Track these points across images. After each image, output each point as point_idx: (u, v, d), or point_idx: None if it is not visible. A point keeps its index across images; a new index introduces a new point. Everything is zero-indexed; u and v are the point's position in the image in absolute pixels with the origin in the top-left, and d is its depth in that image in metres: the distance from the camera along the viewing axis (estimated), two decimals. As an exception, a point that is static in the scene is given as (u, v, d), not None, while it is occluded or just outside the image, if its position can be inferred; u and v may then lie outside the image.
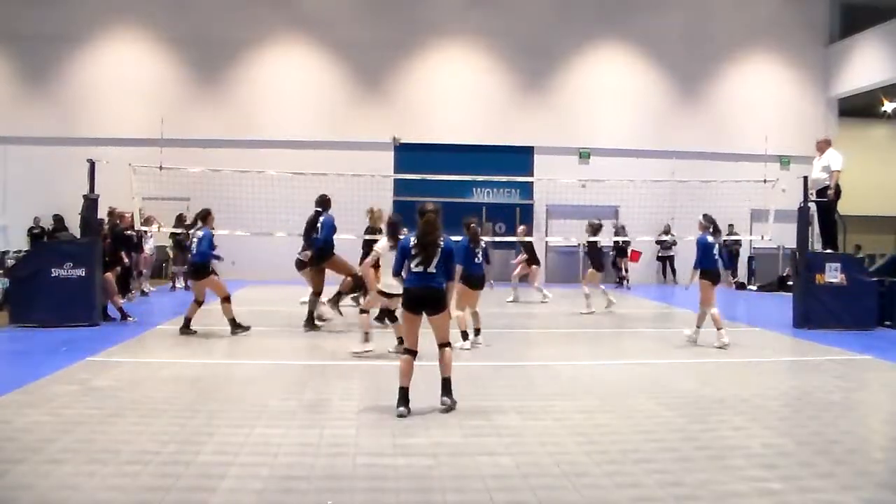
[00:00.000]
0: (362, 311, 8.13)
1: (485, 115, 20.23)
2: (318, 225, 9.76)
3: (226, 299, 9.48)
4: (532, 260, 14.26)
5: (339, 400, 5.91)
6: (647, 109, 20.68)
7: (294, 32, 20.06)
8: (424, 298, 5.58)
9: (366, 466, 4.31)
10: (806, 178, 11.56)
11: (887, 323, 11.05)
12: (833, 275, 10.83)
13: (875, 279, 11.29)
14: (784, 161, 19.00)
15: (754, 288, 18.83)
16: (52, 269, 9.78)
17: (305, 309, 10.15)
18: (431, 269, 5.59)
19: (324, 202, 9.96)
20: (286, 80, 19.86)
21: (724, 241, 18.58)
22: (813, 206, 11.61)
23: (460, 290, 7.56)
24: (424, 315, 5.65)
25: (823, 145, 11.62)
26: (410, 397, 5.48)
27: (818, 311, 10.71)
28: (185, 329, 9.33)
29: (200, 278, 9.50)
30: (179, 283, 16.08)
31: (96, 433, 4.85)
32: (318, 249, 9.82)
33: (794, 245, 11.58)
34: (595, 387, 6.64)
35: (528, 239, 14.40)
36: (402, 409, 5.39)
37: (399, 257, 5.81)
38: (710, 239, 9.17)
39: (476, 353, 8.30)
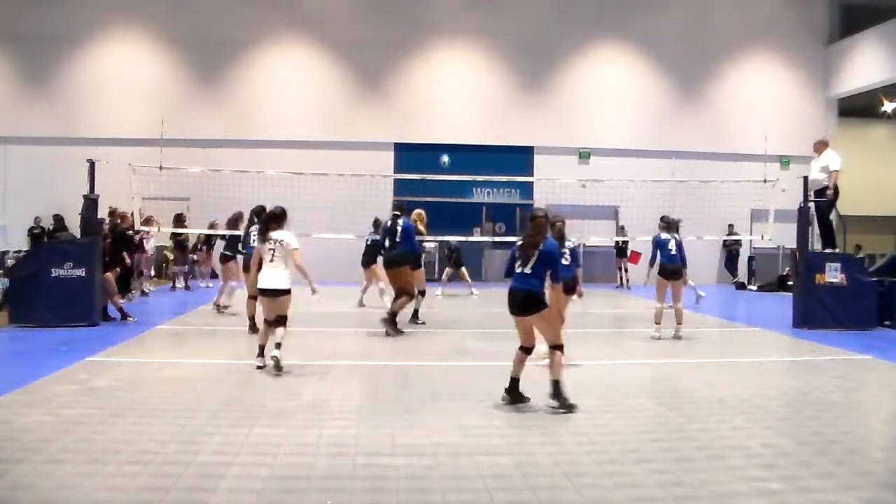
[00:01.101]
0: (266, 322, 7.37)
1: (485, 115, 20.24)
2: (399, 229, 9.58)
3: (254, 297, 9.17)
4: None
5: (339, 400, 5.91)
6: (647, 109, 20.68)
7: (294, 32, 20.07)
8: (518, 300, 5.68)
9: (366, 466, 4.31)
10: (806, 178, 11.57)
11: (887, 323, 11.05)
12: (833, 275, 10.83)
13: (875, 279, 11.29)
14: (784, 161, 19.03)
15: (754, 288, 18.83)
16: (52, 269, 9.77)
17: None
18: (527, 270, 5.65)
19: (401, 207, 9.86)
20: (286, 80, 19.86)
21: (724, 240, 18.82)
22: (812, 207, 11.62)
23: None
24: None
25: (821, 146, 11.62)
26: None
27: (818, 311, 10.71)
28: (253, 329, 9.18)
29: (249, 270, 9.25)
30: (179, 283, 16.08)
31: (96, 433, 4.85)
32: (401, 254, 9.58)
33: (794, 245, 11.59)
34: (595, 387, 6.63)
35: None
36: (505, 395, 5.70)
37: (510, 260, 5.88)
38: (662, 236, 9.62)
39: (476, 353, 8.29)
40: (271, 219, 7.21)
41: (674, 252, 9.51)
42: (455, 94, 20.17)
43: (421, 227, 11.15)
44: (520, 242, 5.83)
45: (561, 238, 7.71)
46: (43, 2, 19.10)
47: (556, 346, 5.68)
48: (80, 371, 6.84)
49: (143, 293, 14.35)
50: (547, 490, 3.97)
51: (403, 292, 9.51)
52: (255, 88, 19.82)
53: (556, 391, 5.57)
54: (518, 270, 5.72)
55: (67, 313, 9.64)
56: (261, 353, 7.12)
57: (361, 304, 12.79)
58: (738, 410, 5.76)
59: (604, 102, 20.55)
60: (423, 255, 11.30)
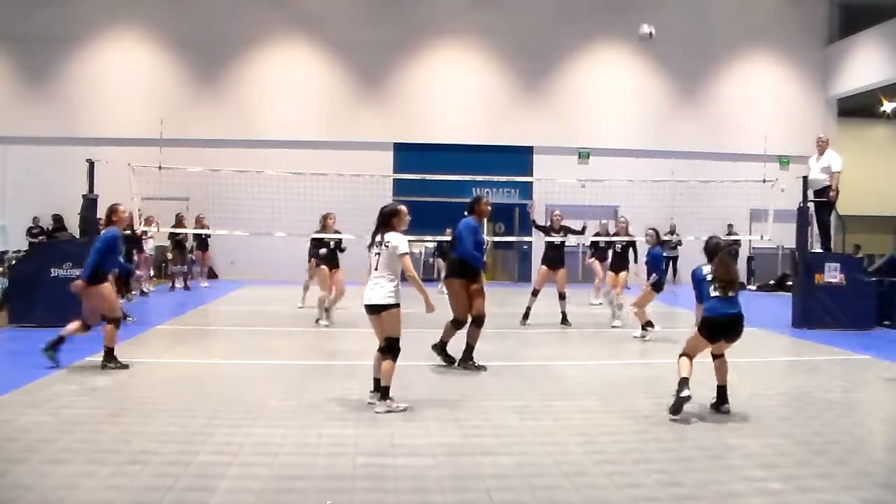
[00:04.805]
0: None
1: (485, 115, 20.24)
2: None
3: (115, 321, 7.26)
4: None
5: (339, 400, 5.90)
6: (647, 109, 20.69)
7: (294, 32, 20.07)
8: (735, 322, 5.62)
9: (365, 466, 4.30)
10: (805, 178, 11.56)
11: (886, 323, 11.07)
12: (832, 275, 10.84)
13: (874, 279, 11.30)
14: (783, 161, 19.00)
15: (753, 288, 18.84)
16: (52, 269, 9.77)
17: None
18: (732, 294, 5.62)
19: (469, 204, 7.60)
20: (286, 80, 19.87)
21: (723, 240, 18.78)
22: (812, 207, 11.61)
23: None
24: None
25: (824, 145, 11.57)
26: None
27: (817, 311, 10.73)
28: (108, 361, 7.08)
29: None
30: (179, 284, 16.09)
31: (96, 433, 4.84)
32: (456, 262, 7.36)
33: (793, 245, 11.59)
34: (595, 387, 6.64)
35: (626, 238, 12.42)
36: (687, 392, 5.41)
37: (701, 287, 5.75)
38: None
39: (476, 354, 8.27)
40: (382, 219, 5.74)
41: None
42: (455, 94, 20.18)
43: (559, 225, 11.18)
44: (714, 275, 5.65)
45: None
46: (43, 2, 19.09)
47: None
48: (80, 371, 6.85)
49: (143, 293, 14.34)
50: (547, 490, 3.97)
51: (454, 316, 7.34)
52: (255, 88, 19.82)
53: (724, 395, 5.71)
54: (718, 294, 5.59)
55: (67, 313, 9.61)
56: (376, 388, 5.65)
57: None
58: (738, 410, 5.76)
59: (604, 102, 20.55)
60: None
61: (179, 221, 15.89)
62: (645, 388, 6.57)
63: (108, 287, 7.35)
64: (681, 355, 5.67)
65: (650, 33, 11.94)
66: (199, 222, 16.05)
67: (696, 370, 6.90)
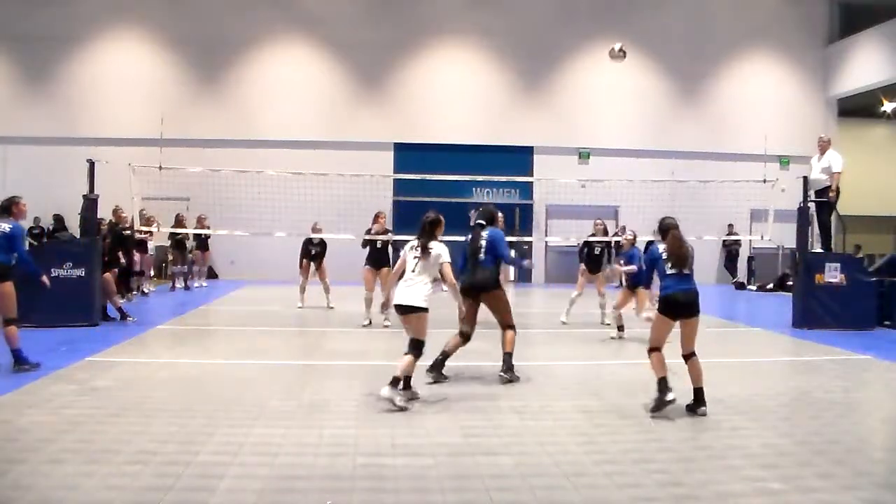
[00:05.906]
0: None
1: (485, 115, 20.24)
2: (483, 242, 6.95)
3: (14, 322, 7.03)
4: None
5: (339, 400, 5.90)
6: (647, 109, 20.68)
7: (294, 32, 20.08)
8: (691, 300, 5.58)
9: (365, 466, 4.31)
10: (806, 178, 11.56)
11: (887, 323, 11.06)
12: (832, 275, 10.84)
13: (874, 279, 11.29)
14: (783, 161, 19.02)
15: (754, 288, 18.84)
16: (52, 269, 9.76)
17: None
18: (686, 271, 5.66)
19: (489, 215, 7.31)
20: (286, 80, 19.87)
21: (724, 240, 18.84)
22: (812, 207, 11.60)
23: None
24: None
25: (826, 145, 11.55)
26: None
27: (818, 311, 10.72)
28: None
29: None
30: (179, 284, 16.09)
31: (96, 433, 4.84)
32: (496, 272, 7.13)
33: (793, 245, 11.58)
34: (595, 387, 6.64)
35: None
36: (671, 395, 5.47)
37: (654, 268, 5.87)
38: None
39: (476, 354, 8.28)
40: (427, 227, 6.06)
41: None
42: (455, 94, 20.18)
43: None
44: (667, 251, 5.71)
45: None
46: (43, 2, 19.09)
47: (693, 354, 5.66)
48: (80, 371, 6.84)
49: (143, 293, 14.34)
50: (547, 490, 3.97)
51: (505, 325, 7.11)
52: (255, 88, 19.82)
53: (701, 397, 5.60)
54: (673, 272, 5.64)
55: (67, 313, 9.64)
56: (406, 385, 5.80)
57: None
58: (738, 410, 5.76)
59: (604, 102, 20.55)
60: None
61: (179, 221, 15.89)
62: (644, 388, 6.55)
63: (11, 286, 7.10)
64: (650, 350, 5.67)
65: (620, 50, 11.73)
66: (200, 222, 16.08)
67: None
